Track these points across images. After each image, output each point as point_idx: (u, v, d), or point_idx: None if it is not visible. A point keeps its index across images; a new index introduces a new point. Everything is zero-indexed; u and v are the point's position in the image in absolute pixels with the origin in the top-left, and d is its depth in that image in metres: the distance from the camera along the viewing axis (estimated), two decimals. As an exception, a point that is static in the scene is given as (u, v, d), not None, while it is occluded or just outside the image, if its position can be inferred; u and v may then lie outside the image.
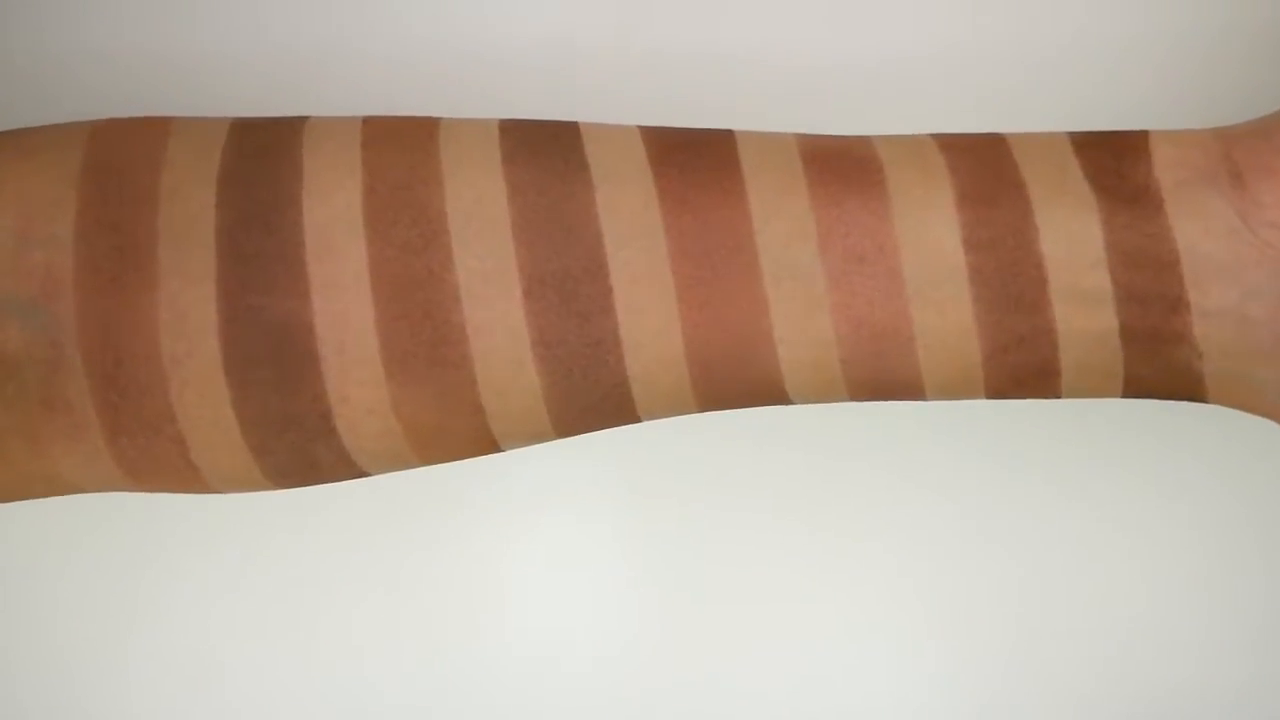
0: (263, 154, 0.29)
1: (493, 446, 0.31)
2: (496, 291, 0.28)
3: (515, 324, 0.28)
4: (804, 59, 0.36)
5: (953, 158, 0.29)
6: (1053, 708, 0.38)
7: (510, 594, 0.38)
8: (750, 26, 0.36)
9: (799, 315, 0.29)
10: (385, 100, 0.36)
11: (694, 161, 0.29)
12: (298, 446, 0.29)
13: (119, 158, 0.30)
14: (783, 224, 0.29)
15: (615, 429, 0.38)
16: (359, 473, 0.31)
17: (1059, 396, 0.30)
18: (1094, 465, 0.38)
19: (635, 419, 0.30)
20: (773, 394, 0.30)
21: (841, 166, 0.29)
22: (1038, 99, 0.36)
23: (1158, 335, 0.28)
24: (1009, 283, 0.28)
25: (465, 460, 0.38)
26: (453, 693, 0.39)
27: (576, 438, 0.38)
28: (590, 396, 0.29)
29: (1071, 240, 0.28)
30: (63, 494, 0.31)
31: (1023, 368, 0.29)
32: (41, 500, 0.39)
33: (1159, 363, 0.29)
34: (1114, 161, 0.29)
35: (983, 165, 0.29)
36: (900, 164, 0.29)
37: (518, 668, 0.39)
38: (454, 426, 0.30)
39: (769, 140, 0.30)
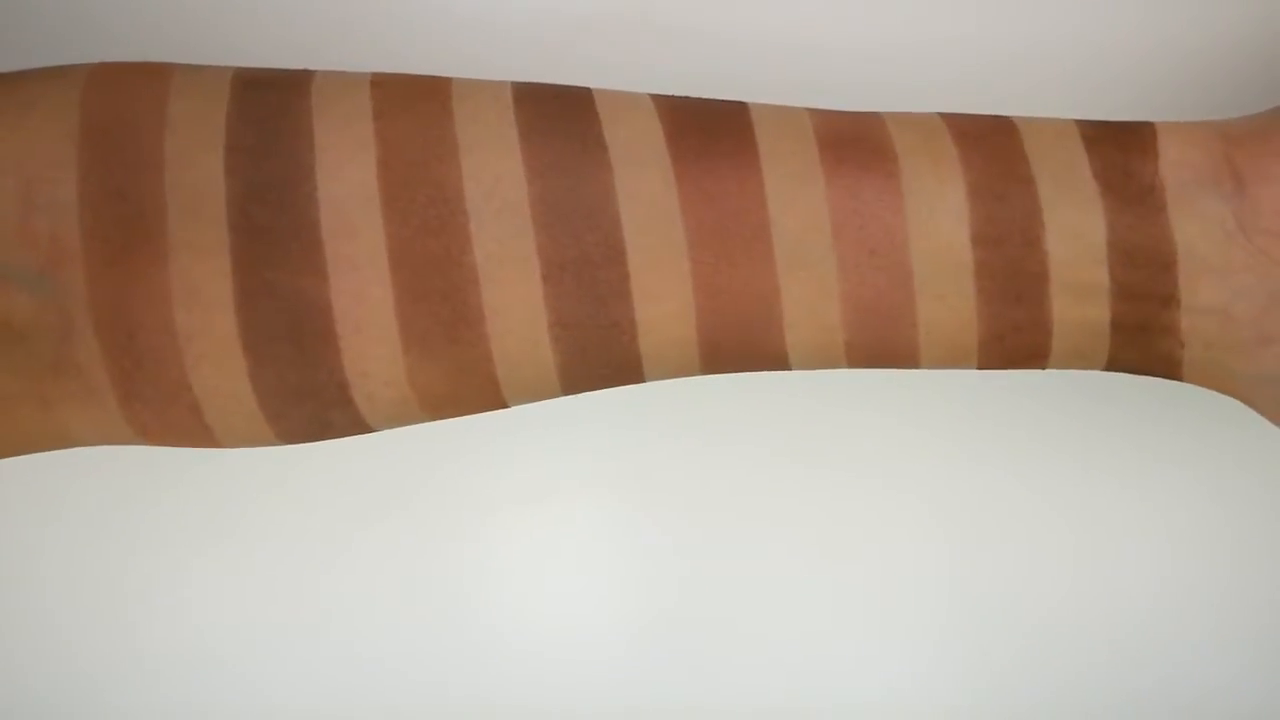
0: (270, 120, 0.29)
1: (501, 405, 0.31)
2: (515, 275, 0.29)
3: (534, 306, 0.29)
4: (816, 38, 0.36)
5: (965, 149, 0.30)
6: (1060, 685, 0.39)
7: (507, 584, 0.39)
8: (763, 6, 0.36)
9: (809, 302, 0.29)
10: (393, 64, 0.35)
11: (711, 145, 0.29)
12: (315, 412, 0.30)
13: (119, 116, 0.29)
14: (798, 214, 0.29)
15: (615, 424, 0.38)
16: (368, 430, 0.31)
17: (1043, 369, 0.31)
18: (1107, 443, 0.39)
19: (640, 382, 0.31)
20: (776, 365, 0.31)
21: (857, 154, 0.29)
22: (1047, 82, 0.36)
23: (1146, 328, 0.30)
24: (1012, 278, 0.29)
25: (464, 452, 0.39)
26: (450, 682, 0.39)
27: (573, 431, 0.39)
28: (602, 370, 0.30)
29: (1076, 239, 0.29)
30: (68, 446, 0.31)
31: (1015, 351, 0.30)
32: (42, 489, 0.39)
33: (1142, 350, 0.30)
34: (1122, 158, 0.29)
35: (994, 159, 0.29)
36: (914, 153, 0.29)
37: (515, 658, 0.39)
38: (467, 396, 0.30)
39: (784, 118, 0.30)
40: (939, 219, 0.29)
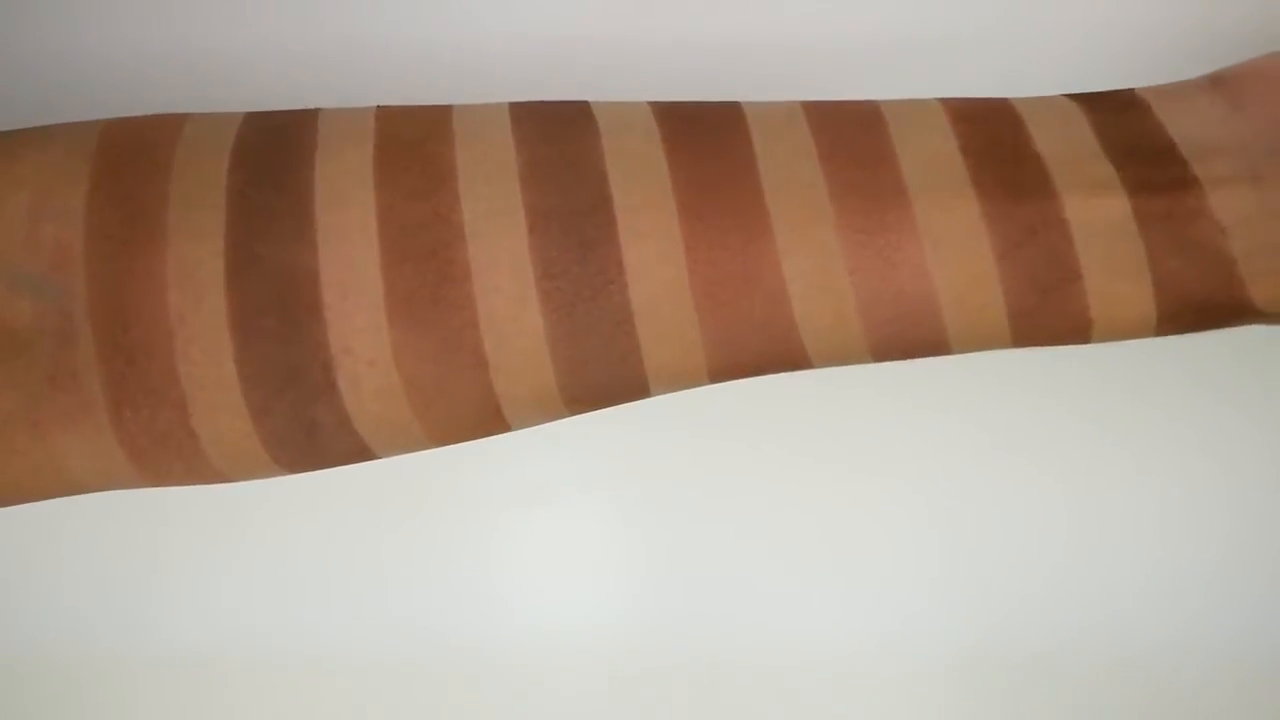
0: (278, 129, 0.30)
1: (497, 415, 0.30)
2: (501, 228, 0.29)
3: (519, 259, 0.29)
4: (808, 46, 0.38)
5: (943, 101, 0.31)
6: (1057, 638, 0.38)
7: (509, 584, 0.39)
8: (755, 14, 0.38)
9: (802, 225, 0.29)
10: (394, 96, 0.37)
11: (698, 114, 0.31)
12: (298, 406, 0.29)
13: (134, 139, 0.31)
14: (784, 145, 0.30)
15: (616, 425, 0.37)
16: (359, 444, 0.30)
17: (1090, 328, 0.29)
18: (1105, 395, 0.38)
19: (643, 382, 0.30)
20: (784, 333, 0.30)
21: (839, 107, 0.31)
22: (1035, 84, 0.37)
23: (1173, 214, 0.28)
24: (1011, 176, 0.29)
25: (468, 454, 0.38)
26: (451, 680, 0.38)
27: (575, 432, 0.38)
28: (594, 340, 0.29)
29: (1065, 139, 0.29)
30: (68, 491, 0.31)
31: (1041, 267, 0.28)
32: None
33: (1185, 247, 0.28)
34: (1098, 94, 0.30)
35: (968, 101, 0.31)
36: (893, 102, 0.31)
37: (519, 657, 0.38)
38: (455, 382, 0.30)
39: (772, 103, 0.31)
40: (924, 135, 0.29)
